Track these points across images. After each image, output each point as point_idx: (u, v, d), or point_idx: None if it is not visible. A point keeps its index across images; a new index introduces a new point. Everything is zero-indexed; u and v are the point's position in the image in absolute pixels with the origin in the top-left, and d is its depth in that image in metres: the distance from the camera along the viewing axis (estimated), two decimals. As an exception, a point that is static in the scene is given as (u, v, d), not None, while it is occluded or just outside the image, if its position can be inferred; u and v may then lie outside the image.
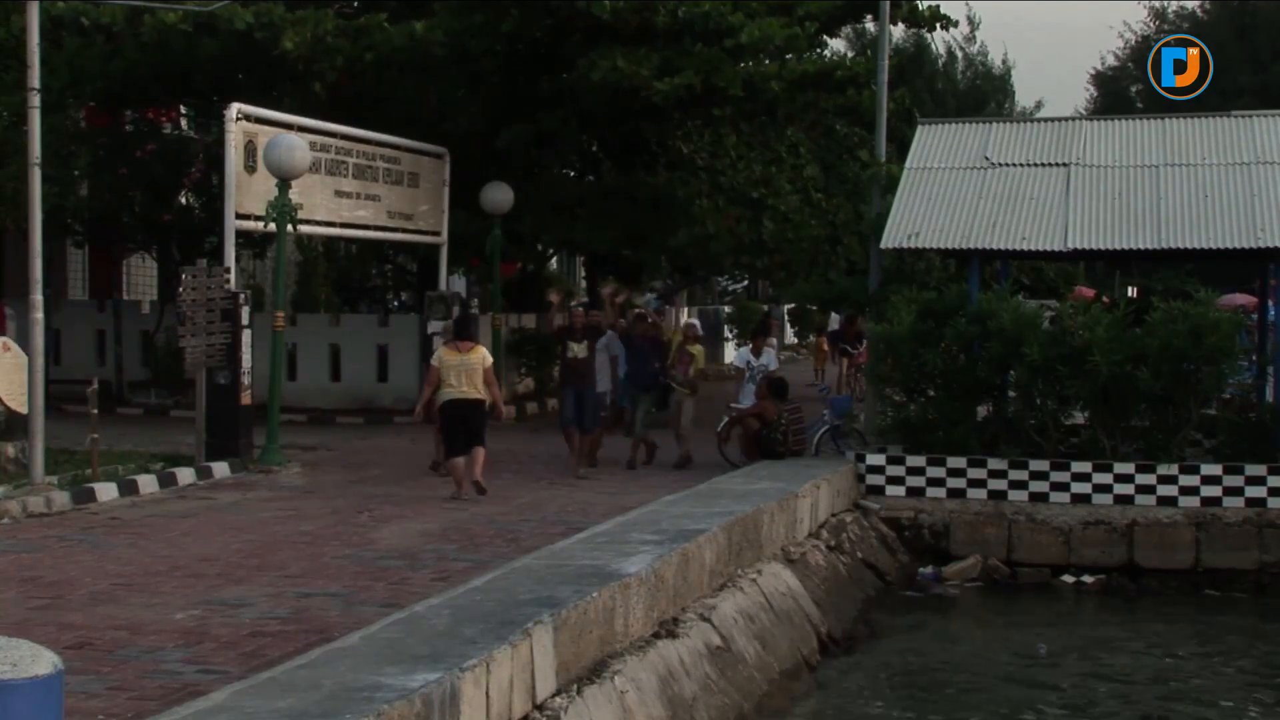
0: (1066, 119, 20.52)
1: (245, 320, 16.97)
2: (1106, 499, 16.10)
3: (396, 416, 22.09)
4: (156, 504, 14.17)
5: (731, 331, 38.38)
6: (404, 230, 21.53)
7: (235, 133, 17.07)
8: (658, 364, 17.05)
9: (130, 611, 9.19)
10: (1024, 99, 59.18)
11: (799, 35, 20.74)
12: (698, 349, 17.72)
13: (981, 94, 55.00)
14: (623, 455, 17.11)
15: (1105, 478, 16.12)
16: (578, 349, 16.51)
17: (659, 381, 17.05)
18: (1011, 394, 16.85)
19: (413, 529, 12.63)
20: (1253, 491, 15.91)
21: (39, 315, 13.99)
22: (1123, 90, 54.27)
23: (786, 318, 42.82)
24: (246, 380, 16.79)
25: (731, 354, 34.20)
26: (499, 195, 22.27)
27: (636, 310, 18.57)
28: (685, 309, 37.38)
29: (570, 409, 16.45)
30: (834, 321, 32.14)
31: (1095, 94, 57.09)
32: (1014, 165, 18.20)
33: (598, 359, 16.68)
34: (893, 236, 17.35)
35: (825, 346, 32.77)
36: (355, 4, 23.54)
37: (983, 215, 17.39)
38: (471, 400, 14.30)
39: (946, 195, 17.79)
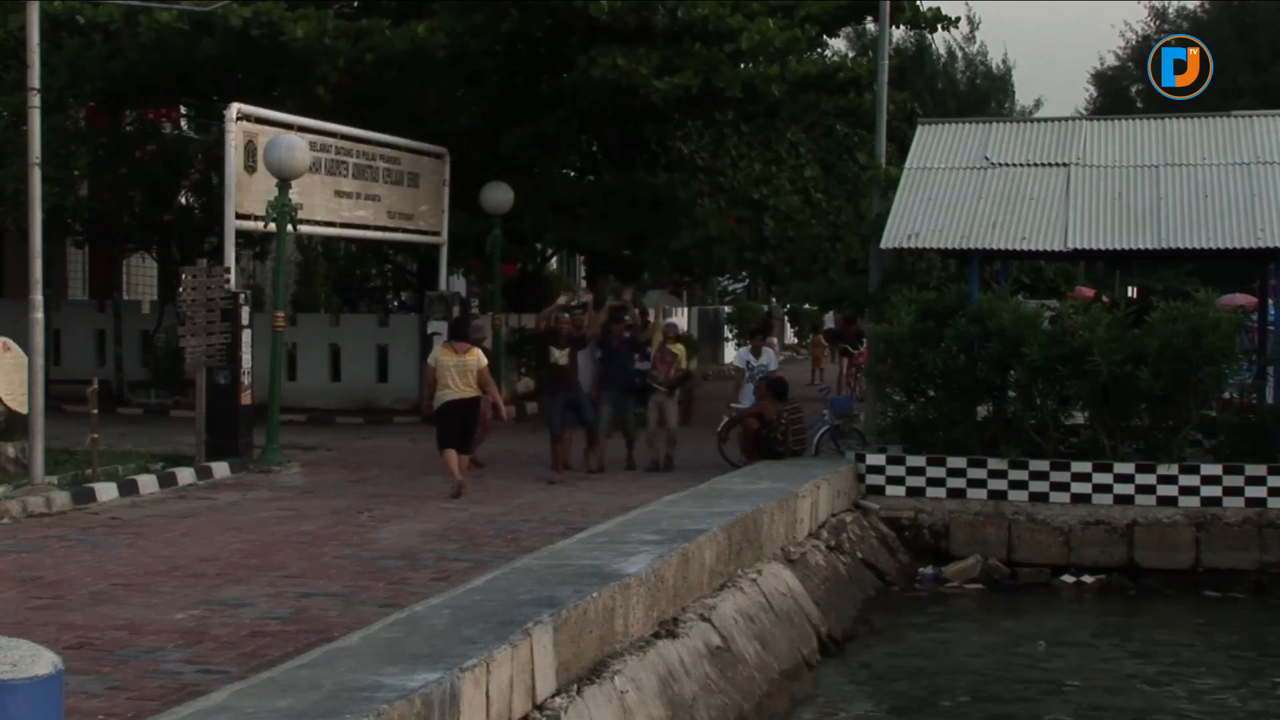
0: (1066, 119, 20.50)
1: (245, 320, 16.98)
2: (1106, 499, 16.09)
3: (396, 416, 22.11)
4: (156, 504, 14.17)
5: (731, 331, 38.36)
6: (404, 230, 21.54)
7: (235, 133, 17.09)
8: (637, 364, 16.70)
9: (130, 611, 9.19)
10: (1024, 98, 59.33)
11: (799, 38, 20.75)
12: (679, 348, 17.36)
13: (981, 94, 55.05)
14: (623, 456, 17.03)
15: (1105, 478, 16.11)
16: (559, 355, 16.31)
17: (635, 383, 16.73)
18: (1011, 394, 16.84)
19: (413, 529, 12.64)
20: (1253, 491, 15.91)
21: (39, 315, 13.99)
22: (1123, 90, 54.35)
23: (786, 317, 42.81)
24: (246, 380, 16.80)
25: (731, 354, 34.20)
26: (499, 195, 22.28)
27: (613, 306, 18.24)
28: (678, 310, 37.31)
29: (559, 420, 16.31)
30: (828, 320, 32.13)
31: (1095, 94, 57.16)
32: (1014, 165, 18.19)
33: (581, 362, 16.50)
34: (893, 236, 17.34)
35: (824, 343, 32.78)
36: (355, 4, 23.54)
37: (982, 215, 17.39)
38: (468, 400, 14.68)
39: (946, 195, 17.79)
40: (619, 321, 17.16)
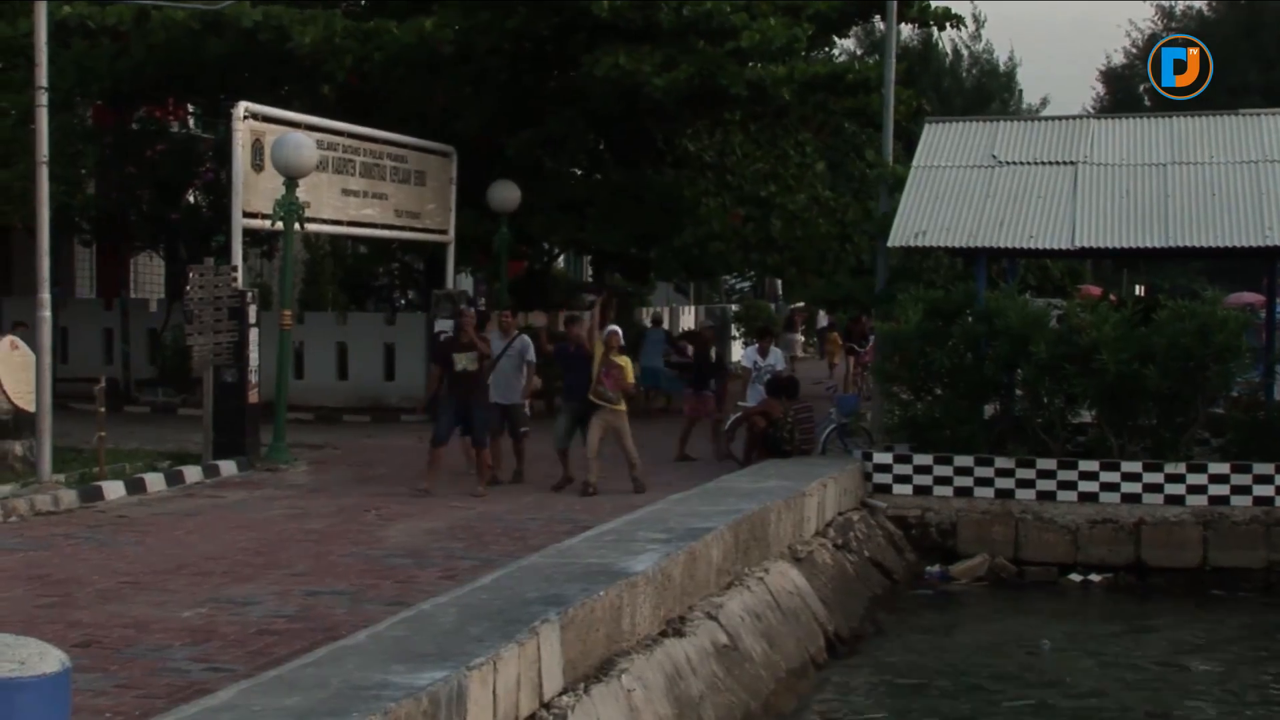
0: (1074, 117, 20.50)
1: (252, 318, 16.98)
2: (1114, 497, 16.08)
3: (403, 415, 22.12)
4: (163, 502, 14.19)
5: (739, 330, 38.33)
6: (411, 229, 21.55)
7: (242, 131, 17.10)
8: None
9: (137, 609, 9.21)
10: (1030, 97, 59.22)
11: (799, 37, 20.76)
12: (624, 360, 15.18)
13: (987, 92, 54.97)
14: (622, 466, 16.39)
15: (1112, 476, 16.09)
16: (465, 361, 14.83)
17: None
18: (1019, 392, 16.83)
19: (419, 527, 12.64)
20: (1260, 490, 15.89)
21: (46, 313, 14.01)
22: (1132, 88, 54.32)
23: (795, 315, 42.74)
24: (254, 378, 16.81)
25: (739, 353, 34.17)
26: (506, 193, 22.28)
27: (568, 315, 17.65)
28: (685, 309, 37.27)
29: (446, 426, 14.93)
30: (821, 319, 32.17)
31: (1103, 92, 57.13)
32: (1021, 164, 18.18)
33: (509, 365, 15.63)
34: (899, 235, 17.34)
35: (838, 341, 32.80)
36: (363, 3, 23.56)
37: (990, 214, 17.38)
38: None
39: (953, 194, 17.78)
40: (575, 324, 16.03)
